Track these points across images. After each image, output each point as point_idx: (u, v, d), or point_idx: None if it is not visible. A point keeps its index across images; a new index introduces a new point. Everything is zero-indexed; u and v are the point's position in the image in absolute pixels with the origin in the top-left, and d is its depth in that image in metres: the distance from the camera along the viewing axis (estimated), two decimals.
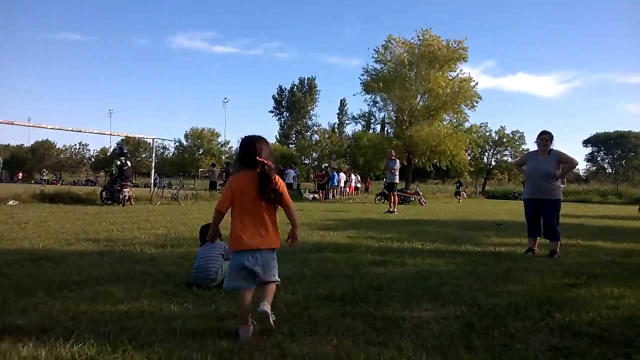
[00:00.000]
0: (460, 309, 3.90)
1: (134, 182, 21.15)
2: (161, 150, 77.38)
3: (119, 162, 17.26)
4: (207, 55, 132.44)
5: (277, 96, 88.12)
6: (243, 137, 3.53)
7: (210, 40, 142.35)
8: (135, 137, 59.08)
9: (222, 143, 76.68)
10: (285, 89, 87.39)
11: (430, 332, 3.33)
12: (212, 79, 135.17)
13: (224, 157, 72.27)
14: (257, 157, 3.22)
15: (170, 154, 79.82)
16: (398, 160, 17.97)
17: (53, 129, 20.48)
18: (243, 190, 3.28)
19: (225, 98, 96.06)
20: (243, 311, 3.25)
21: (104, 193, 17.07)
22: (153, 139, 24.01)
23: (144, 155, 77.24)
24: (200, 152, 72.72)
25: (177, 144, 75.00)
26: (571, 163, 7.42)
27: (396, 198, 17.72)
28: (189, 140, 74.21)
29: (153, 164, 24.09)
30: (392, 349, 2.95)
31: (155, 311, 3.70)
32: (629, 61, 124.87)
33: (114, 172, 17.10)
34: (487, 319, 3.65)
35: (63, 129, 20.52)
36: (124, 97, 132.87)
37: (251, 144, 3.31)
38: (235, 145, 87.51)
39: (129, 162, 17.83)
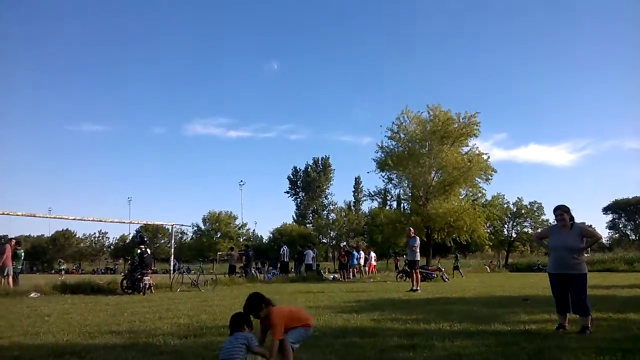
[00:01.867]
0: None
1: (153, 269, 21.18)
2: (179, 236, 77.81)
3: (139, 250, 17.41)
4: (222, 141, 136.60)
5: (292, 177, 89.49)
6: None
7: (225, 125, 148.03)
8: (154, 224, 59.75)
9: (240, 225, 76.97)
10: (300, 170, 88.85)
11: None
12: (227, 163, 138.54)
13: (241, 240, 72.32)
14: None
15: (189, 238, 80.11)
16: (418, 237, 17.88)
17: (74, 219, 20.87)
18: None
19: (242, 181, 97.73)
20: None
21: (124, 282, 17.09)
22: (172, 225, 24.22)
23: (162, 241, 77.58)
24: (218, 236, 72.85)
25: (195, 228, 75.45)
26: (595, 237, 7.38)
27: (419, 276, 17.48)
28: (207, 224, 74.62)
29: (172, 250, 24.13)
30: None
31: None
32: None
33: (135, 260, 17.22)
34: None
35: (84, 219, 20.85)
36: (143, 184, 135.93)
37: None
38: (252, 227, 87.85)
39: (149, 250, 17.95)
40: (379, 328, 7.56)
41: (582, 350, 5.48)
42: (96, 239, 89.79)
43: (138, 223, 33.61)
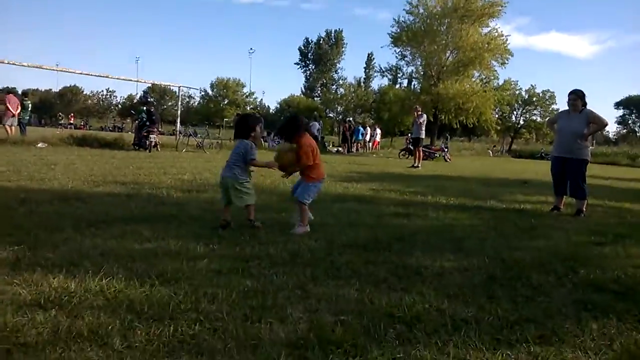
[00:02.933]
0: (483, 262, 3.89)
1: (160, 129, 21.31)
2: (187, 99, 77.58)
3: (145, 108, 17.40)
4: (233, 5, 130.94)
5: (303, 48, 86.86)
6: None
7: None
8: (161, 85, 59.29)
9: (248, 94, 76.32)
10: (312, 41, 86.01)
11: (452, 282, 3.34)
12: (237, 30, 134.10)
13: (248, 108, 72.11)
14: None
15: (196, 103, 79.87)
16: (425, 115, 17.72)
17: (81, 73, 20.61)
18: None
19: (251, 49, 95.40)
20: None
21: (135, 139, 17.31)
22: (179, 87, 24.01)
23: (170, 104, 77.40)
24: (225, 102, 72.50)
25: (202, 93, 74.88)
26: (600, 123, 7.21)
27: (421, 153, 17.57)
28: (215, 90, 73.92)
29: (179, 112, 24.15)
30: (414, 295, 2.97)
31: (181, 251, 3.76)
32: None
33: (142, 117, 17.25)
34: (510, 272, 3.63)
35: (91, 74, 20.58)
36: (151, 45, 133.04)
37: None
38: (260, 96, 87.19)
39: (153, 110, 17.91)
40: (377, 197, 7.71)
41: (574, 230, 5.60)
42: (104, 96, 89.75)
43: (145, 82, 33.27)
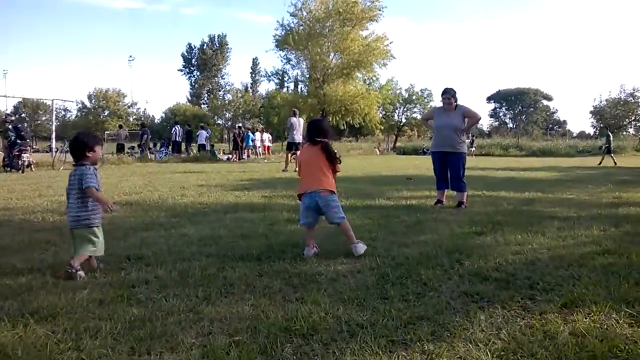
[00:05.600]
0: (375, 261, 3.98)
1: (34, 146, 19.80)
2: (62, 113, 72.55)
3: (10, 126, 16.01)
4: (109, 10, 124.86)
5: (186, 54, 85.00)
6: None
7: None
8: (33, 99, 55.15)
9: (130, 104, 73.14)
10: (195, 47, 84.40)
11: (346, 285, 3.37)
12: (115, 37, 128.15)
13: (131, 119, 69.11)
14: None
15: (73, 116, 75.07)
16: (297, 119, 17.21)
17: None
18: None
19: (131, 56, 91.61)
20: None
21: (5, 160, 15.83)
22: (53, 100, 22.51)
23: (44, 119, 72.21)
24: (105, 114, 68.94)
25: (79, 105, 70.56)
26: (475, 117, 7.75)
27: (288, 158, 17.41)
28: (94, 101, 70.00)
29: (54, 126, 22.60)
30: (310, 304, 2.95)
31: (59, 282, 3.47)
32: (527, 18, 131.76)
33: (11, 136, 15.79)
34: (400, 269, 3.74)
35: None
36: (20, 56, 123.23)
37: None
38: (143, 105, 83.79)
39: (20, 125, 16.55)
40: (270, 204, 7.66)
41: (456, 222, 5.92)
42: None
43: (14, 97, 30.65)
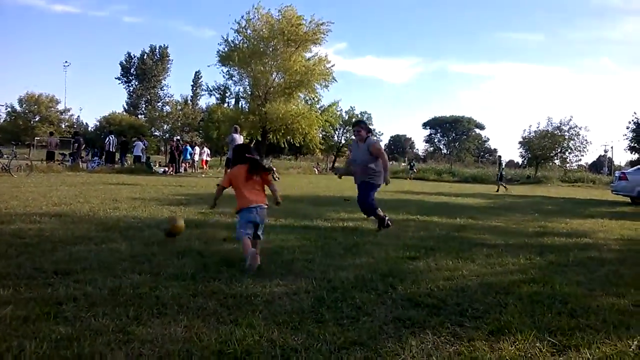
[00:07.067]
0: (311, 284, 3.99)
1: None
2: None
3: None
4: (46, 14, 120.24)
5: (125, 63, 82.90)
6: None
7: None
8: None
9: (63, 110, 70.21)
10: (134, 56, 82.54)
11: (282, 308, 3.36)
12: (51, 41, 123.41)
13: (63, 126, 66.36)
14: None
15: (1, 120, 71.20)
16: (239, 136, 17.07)
17: None
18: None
19: (66, 62, 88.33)
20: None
21: None
22: None
23: None
24: (36, 120, 65.78)
25: (9, 109, 67.03)
26: (382, 159, 7.45)
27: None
28: (24, 105, 66.71)
29: None
30: (244, 327, 2.92)
31: None
32: (464, 51, 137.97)
33: None
34: (336, 292, 3.78)
35: None
36: None
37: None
38: (77, 112, 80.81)
39: None
40: (206, 221, 7.55)
41: (391, 246, 6.03)
42: None
43: None
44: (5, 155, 19.05)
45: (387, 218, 7.54)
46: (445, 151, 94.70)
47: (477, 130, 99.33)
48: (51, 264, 4.29)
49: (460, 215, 10.08)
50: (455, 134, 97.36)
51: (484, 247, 6.29)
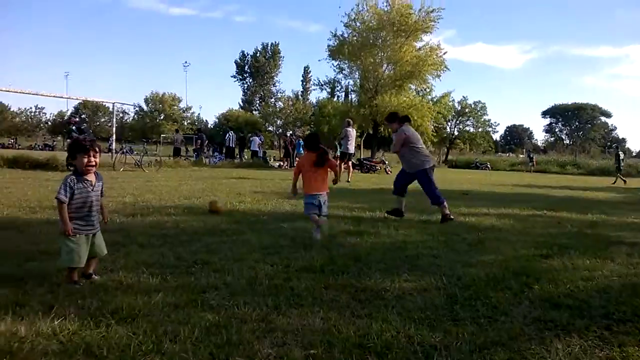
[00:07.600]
0: (441, 280, 3.93)
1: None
2: (120, 115, 75.07)
3: (73, 126, 16.78)
4: (164, 17, 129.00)
5: (239, 61, 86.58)
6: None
7: (166, 1, 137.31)
8: (93, 101, 57.33)
9: (184, 108, 75.01)
10: (248, 54, 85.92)
11: (414, 304, 3.34)
12: (171, 42, 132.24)
13: (185, 123, 70.77)
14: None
15: (130, 119, 77.51)
16: (350, 129, 17.18)
17: (7, 91, 19.57)
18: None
19: (186, 62, 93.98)
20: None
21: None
22: (113, 103, 23.34)
23: (102, 120, 74.85)
24: (161, 118, 70.90)
25: (137, 108, 72.87)
26: (397, 139, 7.85)
27: (350, 168, 17.28)
28: (150, 105, 72.15)
29: (114, 129, 23.42)
30: (380, 322, 2.94)
31: (133, 283, 3.60)
32: (585, 34, 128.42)
33: (74, 137, 16.56)
34: (468, 290, 3.69)
35: (22, 92, 19.61)
36: (81, 60, 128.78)
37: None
38: (197, 110, 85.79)
39: (84, 127, 17.34)
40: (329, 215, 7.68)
41: (520, 243, 5.77)
42: (32, 114, 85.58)
43: (77, 99, 32.03)
44: (136, 152, 20.69)
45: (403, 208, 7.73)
46: (567, 141, 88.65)
47: (603, 119, 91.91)
48: (190, 254, 4.61)
49: (591, 211, 9.40)
50: (578, 122, 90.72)
51: (622, 245, 5.83)
